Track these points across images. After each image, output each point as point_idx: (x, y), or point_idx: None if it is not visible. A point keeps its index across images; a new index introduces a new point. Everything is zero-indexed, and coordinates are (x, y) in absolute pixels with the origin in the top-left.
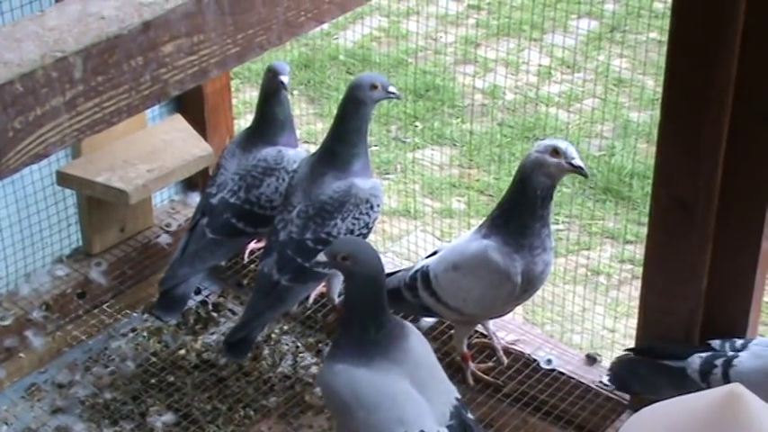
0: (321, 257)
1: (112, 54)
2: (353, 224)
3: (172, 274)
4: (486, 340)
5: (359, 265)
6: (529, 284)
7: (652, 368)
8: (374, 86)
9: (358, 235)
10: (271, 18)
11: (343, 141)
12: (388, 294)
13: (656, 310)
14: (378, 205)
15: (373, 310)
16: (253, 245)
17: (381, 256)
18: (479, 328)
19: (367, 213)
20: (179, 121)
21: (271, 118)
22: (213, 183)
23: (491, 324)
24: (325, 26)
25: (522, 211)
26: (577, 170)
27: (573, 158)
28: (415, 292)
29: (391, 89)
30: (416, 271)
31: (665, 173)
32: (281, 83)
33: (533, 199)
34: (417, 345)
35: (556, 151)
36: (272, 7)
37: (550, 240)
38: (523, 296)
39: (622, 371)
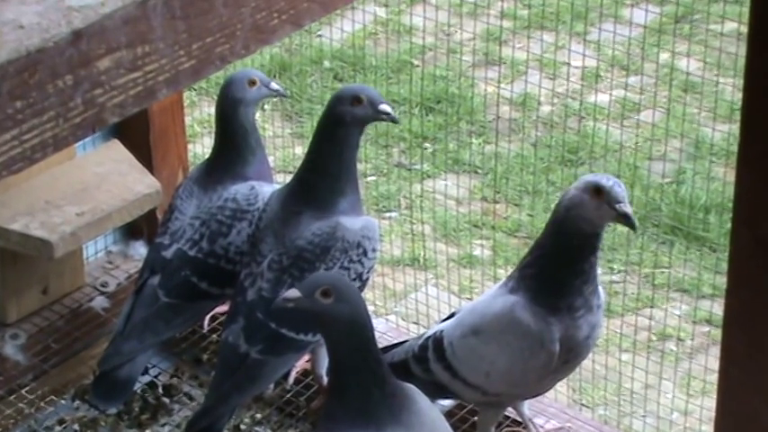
0: (292, 293)
1: (34, 73)
2: (342, 275)
3: (114, 350)
4: (520, 430)
5: (344, 302)
6: (570, 354)
7: None
8: (357, 100)
9: None
10: (234, 22)
11: (320, 171)
12: (392, 369)
13: (739, 388)
14: (373, 249)
15: (370, 363)
16: (217, 309)
17: (382, 320)
18: (511, 412)
19: (359, 261)
20: (117, 148)
21: (236, 143)
22: (165, 230)
23: (526, 407)
24: None
25: (557, 264)
26: (623, 220)
27: (619, 202)
28: (426, 365)
29: (383, 107)
30: (428, 338)
31: (746, 207)
32: (276, 91)
33: (571, 249)
34: (426, 406)
35: (597, 191)
36: (236, 8)
37: (597, 297)
38: (564, 369)
39: None
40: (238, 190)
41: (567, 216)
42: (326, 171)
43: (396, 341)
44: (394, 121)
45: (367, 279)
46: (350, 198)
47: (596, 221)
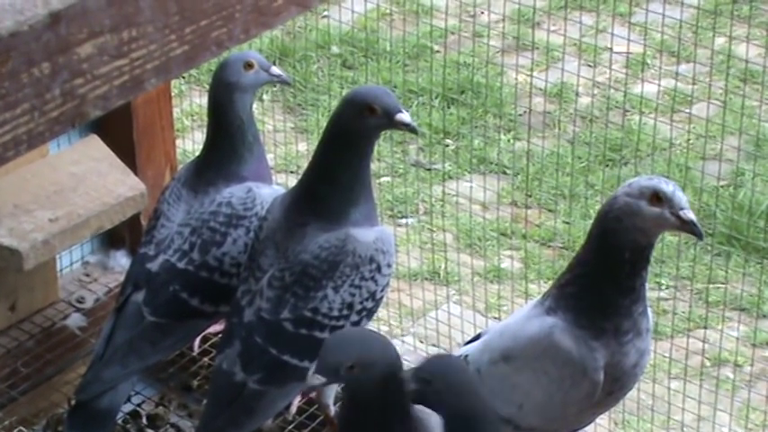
0: (315, 380)
1: (6, 60)
2: (353, 295)
3: (93, 376)
4: None
5: (373, 367)
6: (616, 384)
7: None
8: (370, 110)
9: (360, 311)
10: (233, 3)
11: (329, 181)
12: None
13: None
14: (388, 265)
15: (396, 398)
16: (209, 329)
17: (398, 341)
18: None
19: (372, 278)
20: (96, 145)
21: (231, 137)
22: (150, 239)
23: None
24: None
25: (602, 281)
26: (688, 228)
27: (683, 209)
28: None
29: (400, 117)
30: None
31: None
32: (278, 76)
33: (620, 264)
34: None
35: (657, 197)
36: None
37: (647, 319)
38: (607, 401)
39: None
40: (233, 193)
41: (618, 227)
42: (337, 181)
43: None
44: (413, 131)
45: (381, 299)
46: (363, 208)
47: (653, 231)
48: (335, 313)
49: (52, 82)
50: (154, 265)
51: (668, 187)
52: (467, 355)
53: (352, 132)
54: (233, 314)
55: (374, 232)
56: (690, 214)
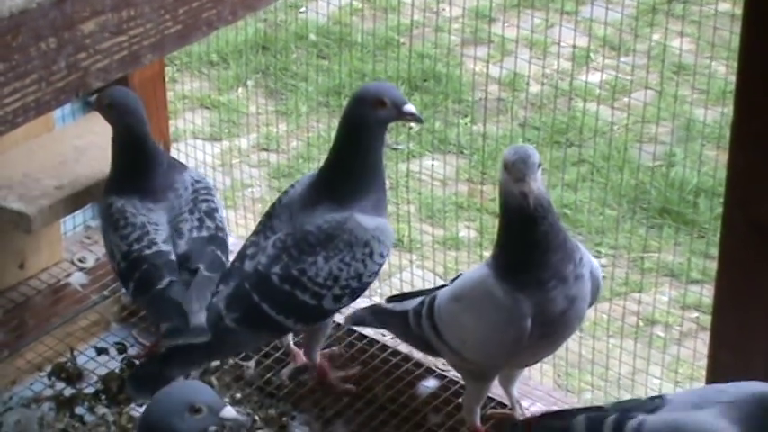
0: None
1: (17, 35)
2: (340, 270)
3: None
4: (506, 411)
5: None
6: (547, 328)
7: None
8: (381, 103)
9: (345, 287)
10: None
11: (344, 173)
12: (394, 319)
13: (729, 371)
14: (381, 255)
15: None
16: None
17: (367, 300)
18: (496, 395)
19: (362, 261)
20: (97, 121)
21: (351, 168)
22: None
23: (515, 389)
24: None
25: (515, 241)
26: (523, 201)
27: (520, 180)
28: (419, 320)
29: (407, 108)
30: (430, 296)
31: (739, 189)
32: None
33: (516, 227)
34: None
35: (506, 166)
36: None
37: (576, 266)
38: (544, 344)
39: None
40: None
41: (500, 192)
42: (351, 172)
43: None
44: (419, 121)
45: (367, 283)
46: (372, 197)
47: (511, 196)
48: (320, 280)
49: (58, 55)
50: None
51: (512, 157)
52: (436, 294)
53: (364, 125)
54: (237, 259)
55: (376, 222)
56: (523, 186)
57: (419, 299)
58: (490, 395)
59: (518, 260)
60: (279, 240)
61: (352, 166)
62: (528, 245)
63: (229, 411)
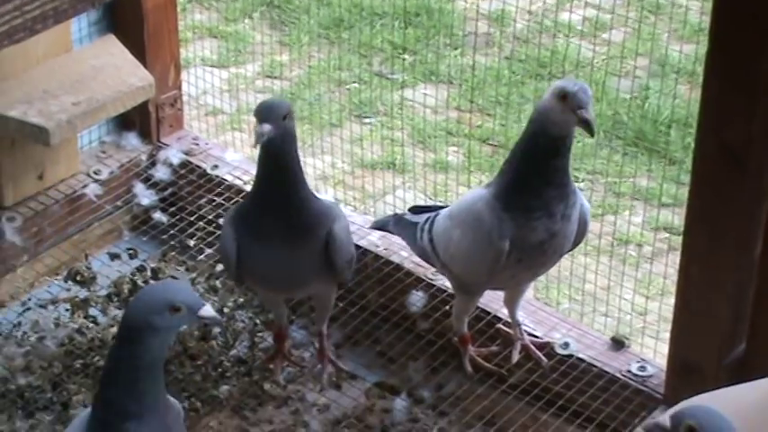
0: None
1: None
2: None
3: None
4: (506, 329)
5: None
6: (523, 254)
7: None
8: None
9: None
10: None
11: None
12: (407, 230)
13: (698, 285)
14: None
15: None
16: None
17: (362, 217)
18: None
19: None
20: (113, 43)
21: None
22: None
23: (518, 311)
24: None
25: (521, 163)
26: (584, 125)
27: (581, 108)
28: (422, 234)
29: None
30: (437, 212)
31: (711, 114)
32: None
33: (536, 150)
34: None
35: (563, 95)
36: None
37: (567, 206)
38: (521, 269)
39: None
40: None
41: (537, 118)
42: None
43: None
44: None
45: None
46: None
47: (562, 127)
48: None
49: None
50: None
51: (573, 88)
52: (438, 214)
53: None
54: None
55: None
56: (586, 114)
57: (434, 213)
58: (498, 314)
59: (518, 183)
60: None
61: None
62: (536, 172)
63: (207, 311)
